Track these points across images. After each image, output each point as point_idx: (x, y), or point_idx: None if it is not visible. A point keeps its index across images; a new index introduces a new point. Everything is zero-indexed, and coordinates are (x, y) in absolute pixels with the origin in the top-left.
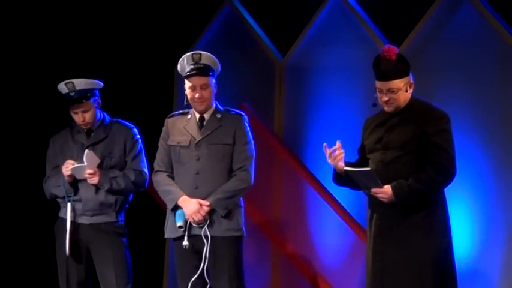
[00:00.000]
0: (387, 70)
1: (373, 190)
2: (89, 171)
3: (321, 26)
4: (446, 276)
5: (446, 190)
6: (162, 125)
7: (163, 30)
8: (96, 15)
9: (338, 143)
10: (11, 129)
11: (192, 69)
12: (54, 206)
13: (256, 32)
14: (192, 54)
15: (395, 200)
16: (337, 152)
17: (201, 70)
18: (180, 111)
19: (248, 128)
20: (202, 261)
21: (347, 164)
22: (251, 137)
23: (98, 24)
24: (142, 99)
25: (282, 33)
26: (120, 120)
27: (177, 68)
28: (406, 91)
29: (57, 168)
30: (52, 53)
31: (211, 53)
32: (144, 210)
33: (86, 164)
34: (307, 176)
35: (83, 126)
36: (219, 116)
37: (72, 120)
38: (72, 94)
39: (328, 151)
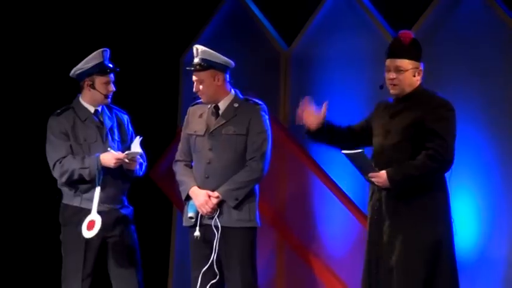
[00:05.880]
0: (398, 48)
1: (370, 174)
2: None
3: (327, 15)
4: (440, 267)
5: (452, 180)
6: (167, 115)
7: (168, 20)
8: (101, 6)
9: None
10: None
11: (191, 65)
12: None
13: (261, 21)
14: (193, 48)
15: (389, 184)
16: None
17: (196, 65)
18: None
19: (264, 118)
20: (213, 252)
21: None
22: (268, 127)
23: (103, 15)
24: (147, 90)
25: (287, 22)
26: (113, 105)
27: (182, 58)
28: (414, 76)
29: (69, 149)
30: (58, 44)
31: (217, 43)
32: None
33: (140, 150)
34: (313, 165)
35: (107, 99)
36: (236, 105)
37: (70, 102)
38: (108, 63)
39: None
